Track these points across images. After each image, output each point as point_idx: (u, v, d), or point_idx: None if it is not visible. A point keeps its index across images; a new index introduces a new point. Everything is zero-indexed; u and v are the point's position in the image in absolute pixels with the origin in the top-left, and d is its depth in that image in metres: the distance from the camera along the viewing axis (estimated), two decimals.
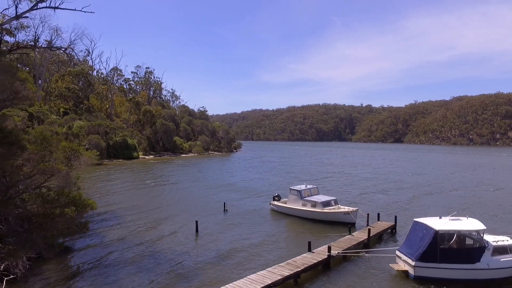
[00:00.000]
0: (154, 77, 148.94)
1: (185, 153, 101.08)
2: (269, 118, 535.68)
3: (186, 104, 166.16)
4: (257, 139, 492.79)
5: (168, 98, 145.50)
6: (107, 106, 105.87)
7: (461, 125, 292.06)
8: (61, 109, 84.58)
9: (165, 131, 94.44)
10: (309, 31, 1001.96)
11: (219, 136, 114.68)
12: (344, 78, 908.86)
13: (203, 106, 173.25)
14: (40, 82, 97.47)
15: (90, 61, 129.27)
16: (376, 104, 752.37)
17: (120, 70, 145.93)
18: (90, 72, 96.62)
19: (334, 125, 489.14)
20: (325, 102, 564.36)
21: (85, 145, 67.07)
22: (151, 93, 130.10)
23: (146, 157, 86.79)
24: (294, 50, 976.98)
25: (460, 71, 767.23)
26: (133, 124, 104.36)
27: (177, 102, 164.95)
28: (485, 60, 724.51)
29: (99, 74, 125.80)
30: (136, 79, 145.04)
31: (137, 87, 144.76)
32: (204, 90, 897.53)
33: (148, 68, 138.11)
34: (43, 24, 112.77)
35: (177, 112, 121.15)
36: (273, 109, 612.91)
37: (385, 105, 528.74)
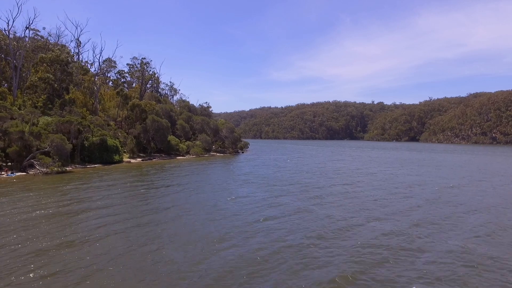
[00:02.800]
0: (150, 69, 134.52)
1: (182, 155, 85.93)
2: (277, 115, 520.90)
3: (187, 99, 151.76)
4: (266, 137, 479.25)
5: (167, 92, 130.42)
6: (94, 99, 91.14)
7: (482, 122, 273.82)
8: (28, 103, 69.80)
9: (157, 129, 79.28)
10: (317, 28, 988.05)
11: (222, 135, 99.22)
12: (353, 76, 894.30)
13: (206, 102, 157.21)
14: (16, 73, 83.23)
15: (73, 49, 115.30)
16: (387, 101, 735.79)
17: (114, 62, 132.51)
18: (70, 59, 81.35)
19: (345, 123, 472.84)
20: (335, 100, 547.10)
21: (46, 148, 52.14)
22: (147, 86, 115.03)
23: (132, 160, 71.74)
24: (302, 47, 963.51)
25: (471, 68, 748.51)
26: (122, 121, 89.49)
27: (177, 96, 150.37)
28: (497, 56, 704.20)
29: (86, 64, 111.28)
30: (133, 70, 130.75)
31: (134, 80, 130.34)
32: (212, 87, 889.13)
33: (144, 58, 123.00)
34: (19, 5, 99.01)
35: (175, 108, 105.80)
36: (282, 107, 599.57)
37: (398, 102, 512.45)
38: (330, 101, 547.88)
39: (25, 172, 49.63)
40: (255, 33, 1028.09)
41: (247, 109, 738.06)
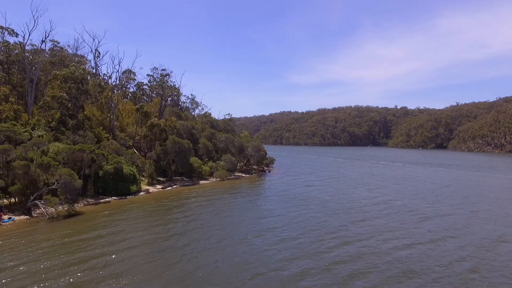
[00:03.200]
0: (171, 81, 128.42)
1: (205, 178, 78.84)
2: (298, 121, 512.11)
3: (209, 111, 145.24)
4: (286, 143, 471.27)
5: (188, 105, 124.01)
6: (112, 116, 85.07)
7: None
8: (42, 122, 64.22)
9: (178, 151, 72.46)
10: (338, 31, 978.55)
11: (248, 153, 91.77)
12: (375, 79, 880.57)
13: (229, 114, 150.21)
14: (31, 89, 78.15)
15: (91, 62, 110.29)
16: (410, 105, 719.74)
17: (134, 73, 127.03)
18: (87, 75, 75.28)
19: (368, 129, 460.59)
20: (357, 104, 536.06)
21: (53, 185, 45.63)
22: (168, 100, 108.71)
23: (151, 188, 64.93)
24: (323, 51, 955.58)
25: (497, 69, 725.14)
26: (141, 139, 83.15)
27: (199, 109, 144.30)
28: None
29: (104, 77, 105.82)
30: (153, 83, 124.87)
31: (153, 93, 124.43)
32: (232, 91, 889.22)
33: (164, 70, 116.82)
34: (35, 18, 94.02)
35: (197, 122, 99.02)
36: (302, 112, 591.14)
37: (421, 107, 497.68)
38: (352, 106, 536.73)
39: (28, 215, 43.18)
40: (276, 37, 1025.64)
41: (267, 113, 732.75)
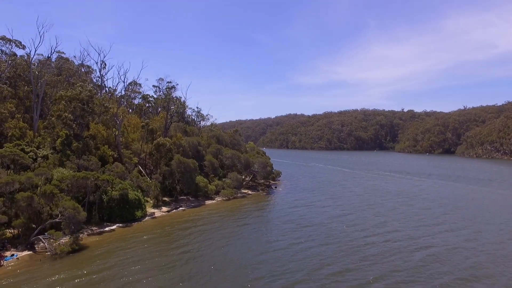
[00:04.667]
0: (176, 94, 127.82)
1: (211, 197, 78.04)
2: (304, 124, 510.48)
3: (214, 121, 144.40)
4: (292, 147, 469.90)
5: (194, 117, 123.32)
6: (117, 133, 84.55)
7: None
8: (48, 140, 63.99)
9: (183, 171, 71.71)
10: (343, 32, 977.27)
11: (254, 170, 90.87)
12: (380, 80, 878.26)
13: (236, 129, 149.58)
14: (36, 105, 78.05)
15: (97, 72, 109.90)
16: (417, 107, 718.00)
17: (139, 85, 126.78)
18: (92, 95, 74.54)
19: (374, 133, 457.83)
20: (363, 108, 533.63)
21: (58, 216, 44.97)
22: (173, 114, 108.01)
23: (157, 211, 64.16)
24: (328, 52, 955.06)
25: (505, 70, 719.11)
26: (146, 156, 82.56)
27: (204, 122, 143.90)
28: None
29: (110, 90, 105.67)
30: (159, 94, 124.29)
31: (159, 106, 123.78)
32: (237, 92, 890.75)
33: (170, 82, 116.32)
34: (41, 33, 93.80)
35: (203, 136, 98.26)
36: (308, 115, 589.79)
37: (428, 110, 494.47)
38: (358, 109, 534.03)
39: (32, 249, 42.53)
40: (281, 39, 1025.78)
41: (273, 115, 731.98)
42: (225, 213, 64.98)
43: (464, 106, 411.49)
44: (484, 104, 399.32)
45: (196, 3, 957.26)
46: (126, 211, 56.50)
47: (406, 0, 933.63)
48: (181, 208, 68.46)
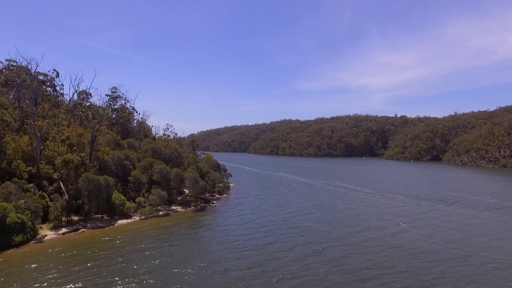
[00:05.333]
0: (127, 103, 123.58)
1: (129, 215, 73.18)
2: (295, 131, 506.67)
3: (174, 131, 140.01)
4: (282, 153, 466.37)
5: (155, 129, 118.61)
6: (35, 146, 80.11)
7: None
8: None
9: (93, 189, 66.96)
10: (345, 39, 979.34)
11: (184, 185, 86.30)
12: (381, 86, 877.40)
13: (193, 139, 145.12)
14: None
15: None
16: (413, 112, 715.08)
17: (90, 94, 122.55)
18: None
19: (365, 139, 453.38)
20: (356, 113, 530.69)
21: None
22: (115, 124, 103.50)
23: (51, 233, 59.31)
24: (330, 58, 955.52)
25: (504, 76, 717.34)
26: (67, 171, 77.74)
27: (164, 130, 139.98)
28: None
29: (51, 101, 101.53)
30: (115, 105, 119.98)
31: (113, 114, 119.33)
32: (239, 98, 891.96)
33: (115, 91, 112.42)
34: None
35: (137, 153, 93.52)
36: (300, 121, 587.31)
37: (422, 115, 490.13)
38: (351, 115, 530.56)
39: None
40: (284, 46, 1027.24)
41: (274, 120, 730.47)
42: (129, 239, 59.64)
43: (455, 112, 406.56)
44: (482, 109, 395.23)
45: (201, 10, 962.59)
46: (1, 237, 51.66)
47: (407, 8, 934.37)
48: (82, 230, 63.52)
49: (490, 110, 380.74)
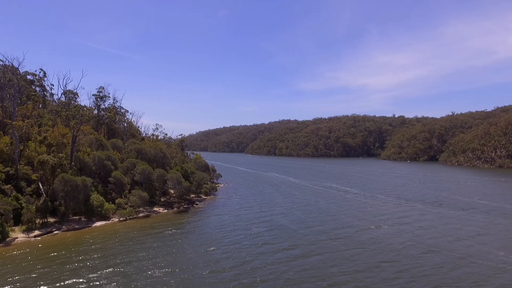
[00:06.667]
0: (116, 102, 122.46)
1: (108, 216, 72.00)
2: (293, 131, 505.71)
3: (164, 131, 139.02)
4: (280, 154, 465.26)
5: (144, 130, 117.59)
6: (21, 147, 79.20)
7: (508, 144, 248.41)
8: None
9: (69, 190, 65.77)
10: (345, 39, 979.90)
11: (167, 187, 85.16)
12: (381, 86, 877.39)
13: (182, 139, 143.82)
14: None
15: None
16: (413, 113, 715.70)
17: (76, 94, 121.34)
18: None
19: (362, 139, 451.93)
20: (354, 113, 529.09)
21: None
22: (100, 124, 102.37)
23: (21, 236, 58.11)
24: (330, 58, 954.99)
25: (504, 76, 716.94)
26: (46, 172, 76.50)
27: (153, 130, 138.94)
28: None
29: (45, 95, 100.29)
30: (103, 105, 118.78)
31: (100, 112, 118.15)
32: (239, 98, 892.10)
33: (101, 91, 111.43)
34: None
35: (119, 153, 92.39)
36: (298, 121, 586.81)
37: (419, 116, 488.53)
38: (349, 115, 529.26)
39: None
40: (284, 46, 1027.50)
41: (272, 120, 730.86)
42: (96, 239, 58.53)
43: (452, 112, 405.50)
44: (480, 109, 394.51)
45: (201, 7, 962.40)
46: None
47: (407, 8, 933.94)
48: (56, 232, 62.33)
49: (488, 110, 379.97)
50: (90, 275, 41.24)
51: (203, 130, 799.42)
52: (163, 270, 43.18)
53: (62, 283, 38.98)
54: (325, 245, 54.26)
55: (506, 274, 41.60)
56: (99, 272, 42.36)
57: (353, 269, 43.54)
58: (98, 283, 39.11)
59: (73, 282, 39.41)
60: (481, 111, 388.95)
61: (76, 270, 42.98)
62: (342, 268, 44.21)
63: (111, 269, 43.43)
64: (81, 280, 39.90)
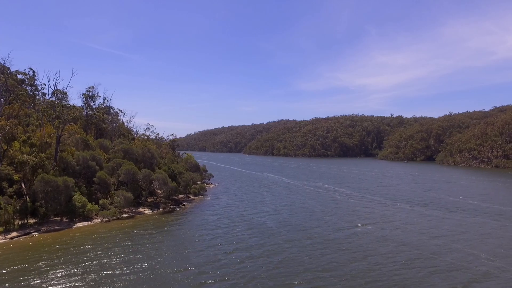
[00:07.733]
0: (106, 102, 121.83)
1: (89, 218, 71.18)
2: (290, 131, 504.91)
3: (154, 130, 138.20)
4: (277, 154, 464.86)
5: (135, 128, 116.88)
6: (4, 147, 78.33)
7: (504, 144, 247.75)
8: None
9: (50, 190, 65.02)
10: (345, 40, 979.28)
11: (153, 187, 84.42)
12: (381, 86, 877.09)
13: (173, 139, 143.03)
14: None
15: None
16: (412, 113, 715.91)
17: (65, 93, 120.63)
18: None
19: (360, 139, 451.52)
20: (352, 113, 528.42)
21: None
22: (89, 124, 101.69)
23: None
24: (330, 59, 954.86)
25: (503, 76, 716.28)
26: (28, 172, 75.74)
27: (145, 129, 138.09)
28: None
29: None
30: (92, 102, 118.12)
31: (89, 112, 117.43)
32: (239, 98, 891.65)
33: (90, 90, 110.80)
34: None
35: (106, 153, 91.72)
36: (296, 121, 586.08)
37: (417, 116, 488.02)
38: (347, 115, 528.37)
39: None
40: (284, 46, 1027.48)
41: (270, 120, 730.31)
42: (75, 240, 57.75)
43: (449, 112, 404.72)
44: (478, 109, 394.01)
45: (201, 7, 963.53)
46: None
47: (406, 9, 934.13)
48: (34, 233, 61.55)
49: (486, 110, 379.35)
50: (55, 277, 40.51)
51: (201, 130, 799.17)
52: (131, 269, 42.48)
53: (24, 283, 38.27)
54: (300, 244, 54.07)
55: (462, 272, 41.50)
56: (67, 273, 41.65)
57: (322, 268, 43.36)
58: (63, 286, 38.33)
59: (36, 283, 38.65)
60: (479, 111, 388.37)
61: (42, 272, 42.20)
62: (311, 266, 44.06)
63: (80, 270, 42.70)
64: (45, 283, 39.09)
